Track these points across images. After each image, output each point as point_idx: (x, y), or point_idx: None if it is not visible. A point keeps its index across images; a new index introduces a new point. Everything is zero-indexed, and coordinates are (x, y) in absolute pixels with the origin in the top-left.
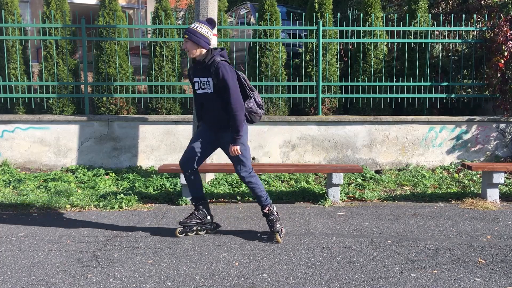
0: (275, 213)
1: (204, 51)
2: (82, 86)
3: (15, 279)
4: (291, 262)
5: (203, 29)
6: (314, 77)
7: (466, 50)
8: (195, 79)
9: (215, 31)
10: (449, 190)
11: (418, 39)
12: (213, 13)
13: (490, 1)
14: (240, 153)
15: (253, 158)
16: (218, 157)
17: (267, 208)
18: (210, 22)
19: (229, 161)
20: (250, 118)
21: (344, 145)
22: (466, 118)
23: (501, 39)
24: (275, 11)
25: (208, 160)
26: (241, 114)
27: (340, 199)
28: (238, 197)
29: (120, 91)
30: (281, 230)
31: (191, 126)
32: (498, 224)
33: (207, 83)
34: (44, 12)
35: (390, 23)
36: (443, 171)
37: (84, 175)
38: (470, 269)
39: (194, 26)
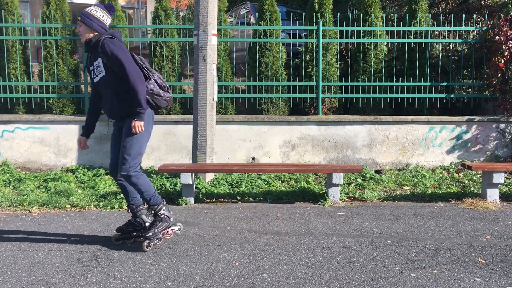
0: (162, 216)
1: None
2: (82, 86)
3: (15, 279)
4: (291, 262)
5: (98, 12)
6: (314, 77)
7: (466, 50)
8: (90, 68)
9: (214, 31)
10: (449, 190)
11: (418, 39)
12: (213, 13)
13: (490, 1)
14: (143, 130)
15: (253, 158)
16: (218, 156)
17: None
18: (109, 8)
19: (228, 161)
20: (153, 102)
21: (344, 145)
22: (466, 118)
23: (501, 39)
24: (275, 11)
25: (208, 160)
26: (142, 87)
27: (340, 199)
28: (238, 197)
29: None
30: (155, 239)
31: (191, 126)
32: (498, 224)
33: (99, 65)
34: (44, 12)
35: (390, 23)
36: (443, 171)
37: (84, 175)
38: (470, 269)
39: (89, 9)
